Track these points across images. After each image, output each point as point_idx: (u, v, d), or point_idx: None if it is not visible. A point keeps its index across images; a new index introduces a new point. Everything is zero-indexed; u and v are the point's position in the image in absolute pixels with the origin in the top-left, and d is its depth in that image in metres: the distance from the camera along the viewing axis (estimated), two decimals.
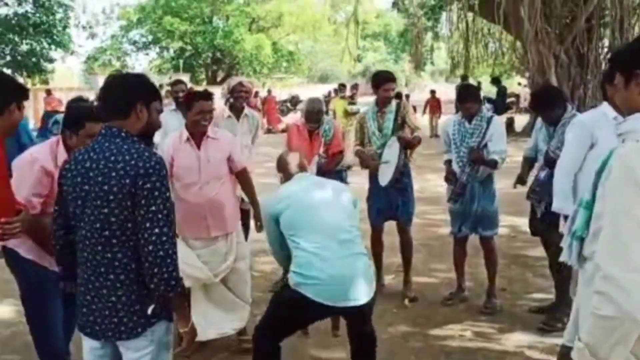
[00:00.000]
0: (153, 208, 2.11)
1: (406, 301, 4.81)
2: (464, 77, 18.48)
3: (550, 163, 4.07)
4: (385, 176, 4.70)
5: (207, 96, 3.84)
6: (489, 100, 17.30)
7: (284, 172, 3.37)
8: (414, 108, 17.51)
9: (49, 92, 18.60)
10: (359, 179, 10.71)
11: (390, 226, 5.10)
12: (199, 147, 3.80)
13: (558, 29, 16.40)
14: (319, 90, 29.98)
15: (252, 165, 5.57)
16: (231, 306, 3.95)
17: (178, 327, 2.26)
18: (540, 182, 4.14)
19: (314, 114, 5.03)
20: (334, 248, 2.97)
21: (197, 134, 3.80)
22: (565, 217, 2.77)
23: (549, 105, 4.19)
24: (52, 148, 2.95)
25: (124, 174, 2.12)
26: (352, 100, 12.87)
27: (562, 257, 1.93)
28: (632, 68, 1.73)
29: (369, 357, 3.23)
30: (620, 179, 1.60)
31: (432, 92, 19.80)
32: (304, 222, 3.03)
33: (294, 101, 28.67)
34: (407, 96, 19.30)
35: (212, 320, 3.89)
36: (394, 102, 4.84)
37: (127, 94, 2.25)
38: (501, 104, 15.04)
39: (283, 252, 3.16)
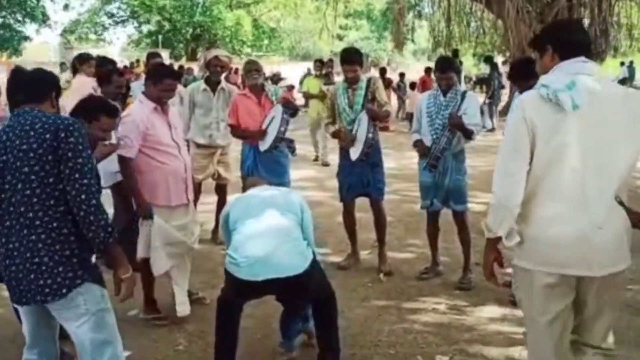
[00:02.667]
0: (80, 160, 2.20)
1: (381, 275, 4.82)
2: (455, 53, 18.33)
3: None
4: (354, 151, 4.69)
5: (176, 76, 3.95)
6: (481, 80, 17.20)
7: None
8: (398, 86, 17.58)
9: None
10: (332, 155, 10.70)
11: (365, 202, 5.08)
12: (166, 114, 3.86)
13: (539, 8, 16.44)
14: (300, 68, 29.77)
15: (229, 140, 5.54)
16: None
17: (118, 274, 2.35)
18: None
19: (251, 62, 5.18)
20: (266, 230, 3.16)
21: (161, 103, 3.84)
22: None
23: (525, 76, 4.21)
24: None
25: (43, 131, 2.19)
26: (328, 79, 10.53)
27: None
28: (544, 44, 2.46)
29: (330, 317, 3.32)
30: (514, 115, 2.35)
31: (427, 69, 19.72)
32: (242, 212, 3.30)
33: (275, 79, 28.32)
34: (402, 74, 19.12)
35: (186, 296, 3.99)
36: (364, 78, 4.81)
37: (47, 84, 2.44)
38: (498, 83, 14.81)
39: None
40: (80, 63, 5.60)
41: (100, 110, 3.06)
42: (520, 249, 2.41)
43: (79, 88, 5.09)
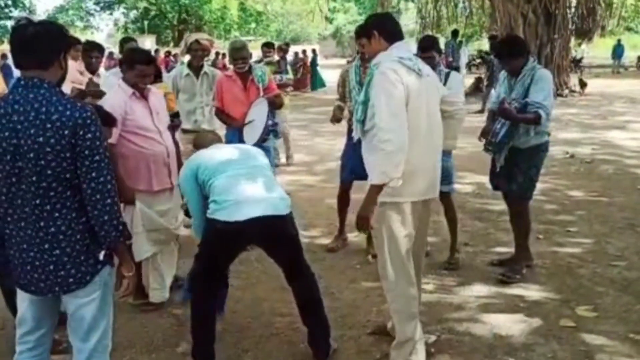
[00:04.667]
0: (97, 157, 2.13)
1: (369, 257, 4.83)
2: (454, 33, 18.13)
3: (504, 114, 4.10)
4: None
5: (148, 62, 3.86)
6: (482, 58, 16.98)
7: (199, 148, 3.63)
8: None
9: (4, 56, 17.66)
10: (322, 139, 10.66)
11: (358, 184, 5.06)
12: (145, 99, 3.82)
13: None
14: (289, 51, 29.55)
15: (215, 126, 5.51)
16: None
17: (122, 271, 2.34)
18: (496, 134, 4.17)
19: (237, 49, 4.94)
20: (243, 172, 3.23)
21: (139, 88, 3.80)
22: None
23: (513, 54, 4.24)
24: None
25: (60, 125, 2.08)
26: (279, 67, 8.94)
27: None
28: (371, 32, 3.11)
29: (312, 296, 3.32)
30: (380, 80, 2.89)
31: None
32: (215, 162, 3.30)
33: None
34: None
35: (166, 282, 4.00)
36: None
37: (53, 43, 2.19)
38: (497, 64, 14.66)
39: (202, 217, 3.29)
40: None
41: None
42: (401, 187, 2.93)
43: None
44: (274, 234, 3.19)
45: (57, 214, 2.16)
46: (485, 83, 14.35)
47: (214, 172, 3.25)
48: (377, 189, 2.90)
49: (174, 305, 3.97)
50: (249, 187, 3.15)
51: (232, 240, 3.18)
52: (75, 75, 5.00)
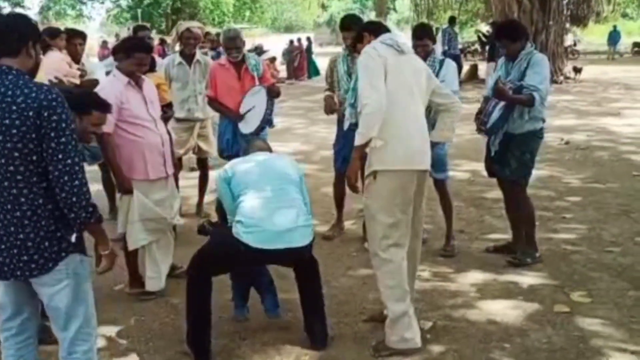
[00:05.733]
0: (63, 139, 2.14)
1: (366, 244, 4.81)
2: (452, 20, 17.97)
3: (499, 93, 4.10)
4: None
5: (147, 50, 3.86)
6: (483, 43, 16.82)
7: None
8: None
9: None
10: (319, 127, 10.64)
11: None
12: (140, 88, 3.81)
13: None
14: (283, 40, 29.44)
15: (208, 114, 5.49)
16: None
17: (99, 250, 2.36)
18: (489, 113, 4.18)
19: (231, 38, 4.90)
20: (274, 197, 3.19)
21: (133, 76, 3.80)
22: None
23: (512, 37, 4.26)
24: None
25: (25, 107, 2.11)
26: None
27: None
28: (362, 35, 3.47)
29: (314, 284, 3.38)
30: (361, 59, 3.22)
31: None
32: (246, 178, 3.28)
33: (258, 51, 28.10)
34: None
35: (162, 271, 3.99)
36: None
37: (20, 32, 2.24)
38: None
39: (233, 203, 3.29)
40: (51, 37, 5.37)
41: (93, 106, 3.08)
42: (385, 154, 3.15)
43: (52, 64, 4.91)
44: (295, 260, 3.29)
45: (23, 199, 2.17)
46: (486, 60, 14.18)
47: (245, 188, 3.23)
48: (359, 149, 3.19)
49: (170, 295, 3.97)
50: (277, 214, 3.13)
51: (250, 261, 3.24)
52: (62, 66, 4.95)
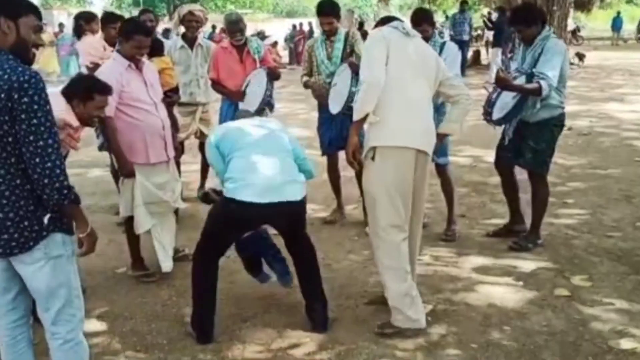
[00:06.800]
0: (35, 121, 2.11)
1: (366, 229, 4.81)
2: (462, 5, 17.75)
3: (499, 81, 4.06)
4: (336, 104, 4.66)
5: (146, 33, 3.84)
6: (489, 28, 16.63)
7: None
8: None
9: None
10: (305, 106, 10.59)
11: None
12: (140, 71, 3.80)
13: None
14: (285, 25, 29.33)
15: (210, 98, 5.49)
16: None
17: (77, 233, 2.33)
18: (492, 103, 4.15)
19: (234, 22, 4.94)
20: (262, 154, 3.20)
21: (133, 60, 3.78)
22: None
23: (526, 21, 4.18)
24: None
25: None
26: None
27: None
28: (377, 26, 3.48)
29: (312, 266, 3.39)
30: (367, 43, 3.33)
31: None
32: (237, 140, 3.27)
33: (260, 37, 28.09)
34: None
35: (169, 252, 4.01)
36: (342, 31, 4.78)
37: None
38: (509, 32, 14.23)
39: (224, 165, 3.32)
40: (87, 22, 5.24)
41: (94, 90, 3.08)
42: (383, 130, 3.17)
43: (87, 48, 4.94)
44: (289, 218, 3.26)
45: (0, 179, 2.17)
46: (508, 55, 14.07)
47: (235, 147, 3.24)
48: (356, 125, 3.24)
49: (173, 277, 4.00)
50: (268, 170, 3.15)
51: (245, 220, 3.22)
52: (97, 50, 4.92)
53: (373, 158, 3.19)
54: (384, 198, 3.17)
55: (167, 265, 3.95)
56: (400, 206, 3.20)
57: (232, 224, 3.23)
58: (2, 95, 2.08)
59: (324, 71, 4.75)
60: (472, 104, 3.50)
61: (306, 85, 4.92)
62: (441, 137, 3.51)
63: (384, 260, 3.24)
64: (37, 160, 2.12)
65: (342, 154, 5.04)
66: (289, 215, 3.25)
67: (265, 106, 4.77)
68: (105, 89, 3.18)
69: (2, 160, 2.15)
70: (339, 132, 4.81)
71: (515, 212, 4.66)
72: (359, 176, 4.99)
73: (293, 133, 3.55)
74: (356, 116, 3.19)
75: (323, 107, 4.85)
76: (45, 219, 2.24)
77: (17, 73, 2.10)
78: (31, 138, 2.11)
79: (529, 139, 4.23)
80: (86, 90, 3.11)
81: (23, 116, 2.10)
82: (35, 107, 2.11)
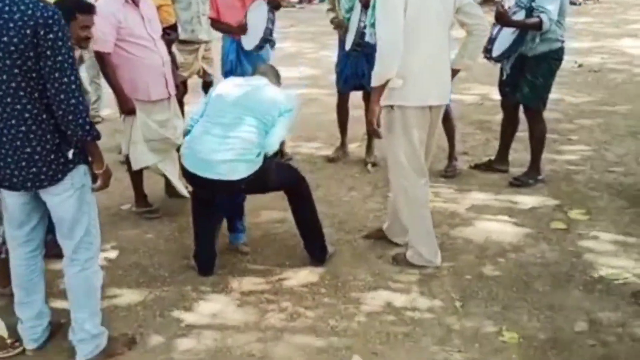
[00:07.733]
0: (60, 58, 2.16)
1: (369, 166, 4.89)
2: None
3: (499, 17, 4.00)
4: (348, 41, 4.59)
5: None
6: None
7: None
8: None
9: None
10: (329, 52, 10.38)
11: (358, 96, 5.02)
12: (137, 6, 3.75)
13: None
14: None
15: (213, 35, 5.41)
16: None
17: (94, 169, 2.42)
18: (492, 40, 4.09)
19: None
20: (220, 125, 3.14)
21: None
22: None
23: None
24: None
25: (22, 25, 2.12)
26: None
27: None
28: None
29: (304, 210, 3.40)
30: None
31: None
32: (217, 103, 3.26)
33: None
34: None
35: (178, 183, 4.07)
36: None
37: None
38: None
39: None
40: None
41: (75, 9, 3.00)
42: (402, 90, 3.05)
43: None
44: (230, 192, 3.33)
45: (27, 114, 2.22)
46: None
47: (210, 111, 3.24)
48: (377, 91, 3.08)
49: (175, 213, 4.07)
50: (211, 144, 3.08)
51: (196, 184, 3.27)
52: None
53: (392, 108, 3.16)
54: (404, 146, 3.20)
55: (185, 192, 4.01)
56: (421, 154, 3.25)
57: (190, 182, 3.32)
58: (28, 32, 2.11)
59: (343, 6, 4.65)
60: (487, 36, 3.41)
61: (332, 22, 4.83)
62: (454, 73, 3.37)
63: (406, 203, 3.31)
64: (62, 96, 2.18)
65: (353, 93, 5.03)
66: (229, 192, 3.29)
67: (266, 43, 4.69)
68: (87, 8, 3.06)
69: (27, 95, 2.20)
70: (353, 70, 4.77)
71: (504, 151, 4.67)
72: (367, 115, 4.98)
73: (292, 104, 3.27)
74: (376, 81, 3.06)
75: (341, 44, 4.78)
76: (70, 154, 2.32)
77: (40, 9, 2.13)
78: (57, 75, 2.16)
79: (527, 73, 4.19)
80: (68, 10, 2.96)
81: (49, 53, 2.14)
82: (60, 43, 2.15)
